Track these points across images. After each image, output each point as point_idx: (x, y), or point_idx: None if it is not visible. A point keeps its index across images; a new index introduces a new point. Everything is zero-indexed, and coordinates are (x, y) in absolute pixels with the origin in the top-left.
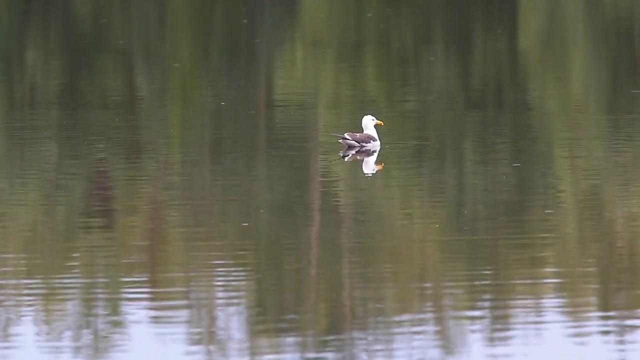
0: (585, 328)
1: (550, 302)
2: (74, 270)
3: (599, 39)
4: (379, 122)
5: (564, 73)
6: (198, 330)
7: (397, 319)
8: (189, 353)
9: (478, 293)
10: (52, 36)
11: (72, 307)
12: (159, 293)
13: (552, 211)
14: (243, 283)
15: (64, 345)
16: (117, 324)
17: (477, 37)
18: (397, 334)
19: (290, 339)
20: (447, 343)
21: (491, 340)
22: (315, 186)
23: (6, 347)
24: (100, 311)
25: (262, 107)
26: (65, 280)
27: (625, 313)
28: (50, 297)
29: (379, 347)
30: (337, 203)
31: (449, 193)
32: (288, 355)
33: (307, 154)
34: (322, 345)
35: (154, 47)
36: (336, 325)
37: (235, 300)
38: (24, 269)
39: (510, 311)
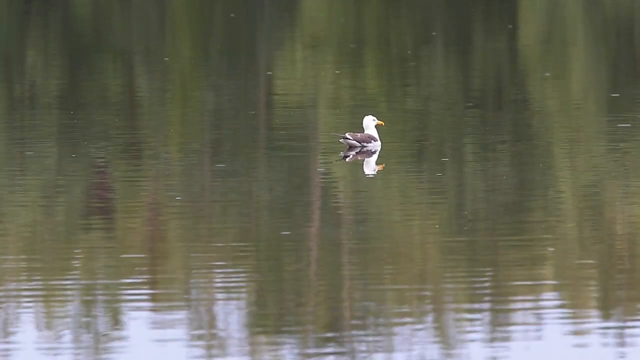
0: (585, 329)
1: (550, 303)
2: (73, 271)
3: (599, 39)
4: (380, 122)
5: (564, 73)
6: (198, 330)
7: (397, 319)
8: (189, 353)
9: (478, 293)
10: (52, 36)
11: (71, 307)
12: (159, 294)
13: (552, 212)
14: (243, 283)
15: (64, 346)
16: (117, 325)
17: (477, 37)
18: (396, 334)
19: (290, 339)
20: (447, 344)
21: (491, 341)
22: (316, 186)
23: (6, 348)
24: (100, 312)
25: (262, 107)
26: (65, 281)
27: (626, 314)
28: (49, 298)
29: (378, 347)
30: (338, 203)
31: (448, 193)
32: (288, 356)
33: (307, 154)
34: (322, 346)
35: (153, 47)
36: (336, 325)
37: (235, 301)
38: (24, 269)
39: (510, 312)
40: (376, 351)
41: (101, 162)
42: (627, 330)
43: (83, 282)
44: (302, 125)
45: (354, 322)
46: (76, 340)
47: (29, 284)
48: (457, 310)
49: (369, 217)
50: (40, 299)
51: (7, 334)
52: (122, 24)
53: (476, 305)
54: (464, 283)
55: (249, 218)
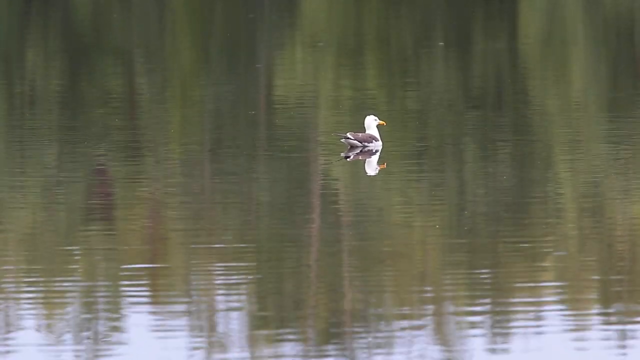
0: (586, 329)
1: (550, 304)
2: (73, 271)
3: (599, 39)
4: (381, 122)
5: (564, 73)
6: (198, 331)
7: (397, 319)
8: (189, 354)
9: (478, 294)
10: (52, 37)
11: (71, 308)
12: (159, 294)
13: (552, 212)
14: (243, 283)
15: (64, 347)
16: (117, 326)
17: (477, 37)
18: (397, 335)
19: (290, 340)
20: (447, 345)
21: (491, 342)
22: (316, 186)
23: (6, 350)
24: (100, 313)
25: (262, 107)
26: (65, 281)
27: (627, 314)
28: (49, 299)
29: (379, 348)
30: (338, 203)
31: (449, 194)
32: (288, 356)
33: (307, 155)
34: (323, 346)
35: (153, 47)
36: (336, 325)
37: (235, 302)
38: (24, 270)
39: (511, 312)
40: (376, 351)
41: (101, 161)
42: (628, 331)
43: (83, 282)
44: (303, 126)
45: (354, 322)
46: (76, 340)
47: (29, 284)
48: (458, 311)
49: (370, 217)
50: (40, 299)
51: (7, 335)
52: (122, 23)
53: (476, 306)
54: (464, 283)
55: (250, 218)
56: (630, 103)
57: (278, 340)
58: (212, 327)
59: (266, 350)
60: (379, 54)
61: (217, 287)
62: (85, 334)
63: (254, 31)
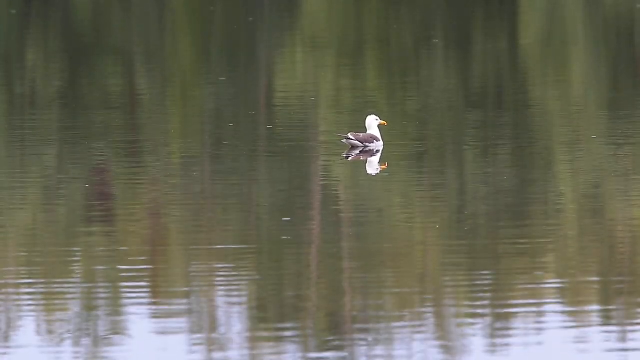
0: (586, 331)
1: (551, 304)
2: (73, 272)
3: (599, 39)
4: (382, 122)
5: (564, 73)
6: (199, 331)
7: (397, 320)
8: (190, 354)
9: (478, 295)
10: (52, 37)
11: (72, 308)
12: (160, 295)
13: (553, 213)
14: (244, 284)
15: (64, 347)
16: (118, 326)
17: (478, 37)
18: (397, 335)
19: (290, 340)
20: (447, 346)
21: (492, 343)
22: (317, 187)
23: (6, 350)
24: (101, 313)
25: (263, 107)
26: (65, 282)
27: (627, 316)
28: (49, 299)
29: (379, 348)
30: (339, 204)
31: (450, 194)
32: (288, 357)
33: (308, 155)
34: (323, 347)
35: (154, 47)
36: (337, 326)
37: (236, 302)
38: (24, 270)
39: (511, 314)
40: (377, 353)
41: (101, 162)
42: (629, 333)
43: (83, 282)
44: (303, 125)
45: (354, 323)
46: (77, 341)
47: (29, 284)
48: (458, 312)
49: (370, 218)
50: (40, 299)
51: (8, 336)
52: (122, 24)
53: (477, 307)
54: (464, 283)
55: (250, 219)
56: (630, 103)
57: (278, 340)
58: (212, 328)
59: (266, 351)
60: (379, 53)
61: (217, 287)
62: (85, 334)
63: (254, 31)
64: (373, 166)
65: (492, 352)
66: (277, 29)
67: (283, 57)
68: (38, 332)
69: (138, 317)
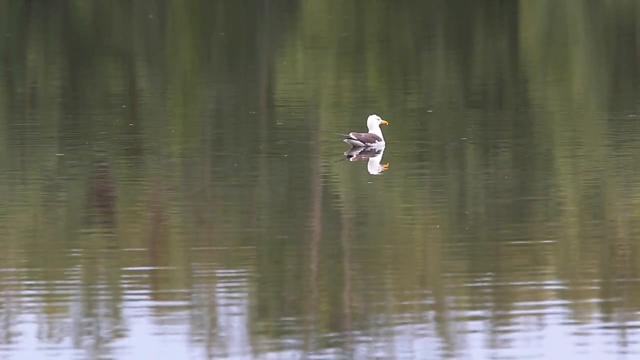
0: (587, 331)
1: (552, 305)
2: (74, 272)
3: (600, 39)
4: (384, 121)
5: (564, 73)
6: (199, 331)
7: (398, 320)
8: (190, 354)
9: (479, 295)
10: (53, 37)
11: (73, 308)
12: (160, 295)
13: (554, 213)
14: (244, 284)
15: (65, 348)
16: (118, 326)
17: (478, 37)
18: (398, 335)
19: (291, 340)
20: (448, 345)
21: (492, 343)
22: (318, 187)
23: (7, 350)
24: (101, 313)
25: (263, 107)
26: (66, 282)
27: (628, 316)
28: (50, 299)
29: (379, 349)
30: (340, 204)
31: (451, 194)
32: (289, 357)
33: (309, 155)
34: (323, 347)
35: (154, 47)
36: (337, 327)
37: (236, 302)
38: (25, 270)
39: (512, 314)
40: (377, 353)
41: (102, 162)
42: (629, 333)
43: (83, 283)
44: (304, 125)
45: (355, 323)
46: (77, 341)
47: (30, 285)
48: (458, 312)
49: (371, 218)
50: (41, 300)
51: (8, 335)
52: (123, 24)
53: (478, 307)
54: (465, 285)
55: (251, 219)
56: (631, 103)
57: (279, 341)
58: (213, 328)
59: (267, 351)
60: (379, 53)
61: (218, 288)
62: (85, 335)
63: (254, 31)
64: (375, 166)
65: (493, 352)
66: (278, 29)
67: (283, 57)
68: (39, 334)
69: (138, 317)
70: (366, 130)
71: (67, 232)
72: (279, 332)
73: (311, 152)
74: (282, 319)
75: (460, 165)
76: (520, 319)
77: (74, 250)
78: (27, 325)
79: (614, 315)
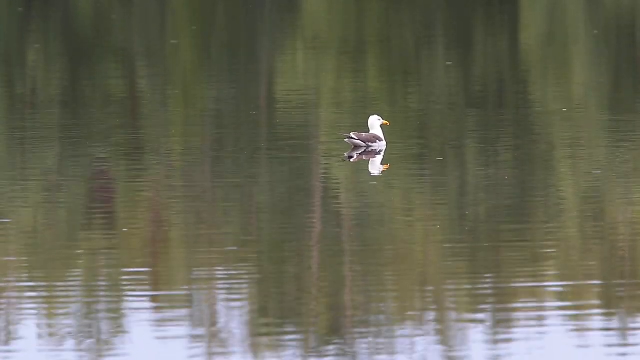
0: (588, 331)
1: (552, 305)
2: (75, 272)
3: (600, 39)
4: (385, 122)
5: (564, 73)
6: (200, 332)
7: (398, 321)
8: (190, 354)
9: (480, 295)
10: (53, 37)
11: (73, 309)
12: (161, 295)
13: (554, 213)
14: (245, 285)
15: (65, 347)
16: (119, 326)
17: (479, 37)
18: (398, 336)
19: (291, 341)
20: (448, 345)
21: (493, 343)
22: (319, 187)
23: (8, 350)
24: (102, 313)
25: (264, 107)
26: (67, 282)
27: (628, 315)
28: (51, 299)
29: (380, 350)
30: (341, 204)
31: (451, 194)
32: (289, 357)
33: (310, 155)
34: (324, 347)
35: (154, 46)
36: (338, 327)
37: (237, 302)
38: (25, 271)
39: (512, 314)
40: (378, 353)
41: (102, 162)
42: (630, 334)
43: (84, 283)
44: (305, 126)
45: (355, 324)
46: (78, 341)
47: (31, 285)
48: (459, 313)
49: (371, 218)
50: (42, 300)
51: (9, 336)
52: (123, 23)
53: (478, 307)
54: (465, 285)
55: (251, 219)
56: (631, 103)
57: (279, 341)
58: (214, 329)
59: (267, 352)
60: (380, 53)
61: (219, 288)
62: (86, 335)
63: (255, 31)
64: (376, 166)
65: (493, 353)
66: (278, 29)
67: (284, 57)
68: (39, 335)
69: (139, 318)
70: (367, 130)
71: (67, 233)
72: (279, 333)
73: (312, 152)
74: (282, 319)
75: (460, 165)
76: (521, 320)
77: (74, 250)
78: (28, 327)
79: (615, 316)
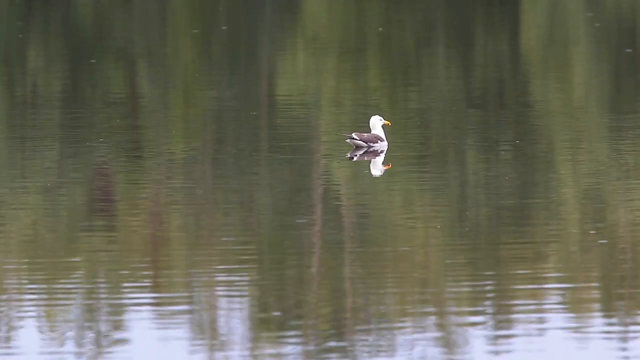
0: (588, 332)
1: (552, 305)
2: (75, 272)
3: (601, 40)
4: (386, 122)
5: (565, 73)
6: (200, 332)
7: (399, 321)
8: (191, 355)
9: (480, 296)
10: (53, 37)
11: (74, 309)
12: (161, 295)
13: (554, 213)
14: (245, 284)
15: (66, 348)
16: (120, 326)
17: (479, 37)
18: (399, 336)
19: (292, 341)
20: (449, 346)
21: (493, 345)
22: (320, 187)
23: (8, 351)
24: (103, 313)
25: (264, 107)
26: (67, 283)
27: (628, 316)
28: (51, 300)
29: (380, 350)
30: (341, 204)
31: (452, 195)
32: (290, 357)
33: (311, 155)
34: (324, 347)
35: (155, 47)
36: (338, 327)
37: (237, 303)
38: (26, 271)
39: (513, 315)
40: (378, 353)
41: (103, 162)
42: (630, 334)
43: (85, 283)
44: (305, 126)
45: (356, 324)
46: (79, 341)
47: (31, 286)
48: (460, 315)
49: (373, 219)
50: (42, 301)
51: (9, 337)
52: (124, 24)
53: (478, 308)
54: (466, 287)
55: (252, 219)
56: (632, 104)
57: (280, 342)
58: (214, 329)
59: (268, 352)
60: (380, 54)
61: (219, 288)
62: (86, 336)
63: (255, 31)
64: (377, 167)
65: (494, 354)
66: (278, 29)
67: (284, 57)
68: (40, 336)
69: (139, 318)
70: (368, 130)
71: (67, 233)
72: (279, 333)
73: (313, 153)
74: (283, 320)
75: (461, 166)
76: (521, 321)
77: (74, 250)
78: (28, 327)
79: (615, 317)
